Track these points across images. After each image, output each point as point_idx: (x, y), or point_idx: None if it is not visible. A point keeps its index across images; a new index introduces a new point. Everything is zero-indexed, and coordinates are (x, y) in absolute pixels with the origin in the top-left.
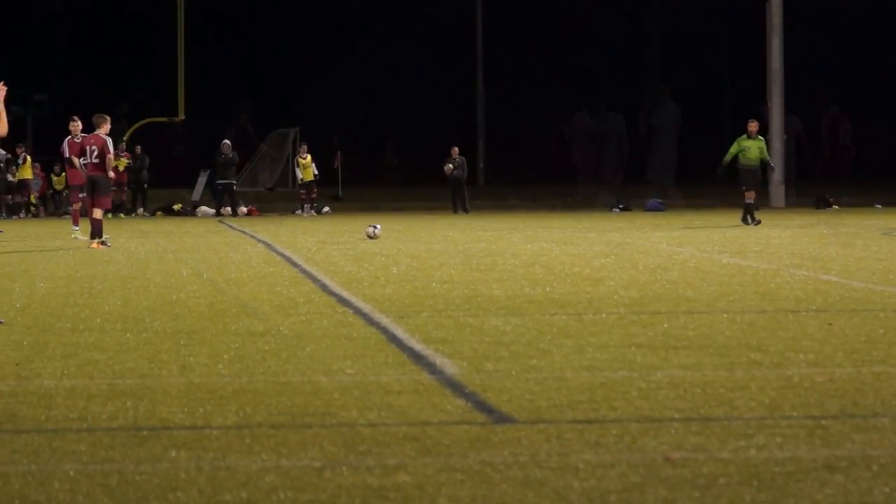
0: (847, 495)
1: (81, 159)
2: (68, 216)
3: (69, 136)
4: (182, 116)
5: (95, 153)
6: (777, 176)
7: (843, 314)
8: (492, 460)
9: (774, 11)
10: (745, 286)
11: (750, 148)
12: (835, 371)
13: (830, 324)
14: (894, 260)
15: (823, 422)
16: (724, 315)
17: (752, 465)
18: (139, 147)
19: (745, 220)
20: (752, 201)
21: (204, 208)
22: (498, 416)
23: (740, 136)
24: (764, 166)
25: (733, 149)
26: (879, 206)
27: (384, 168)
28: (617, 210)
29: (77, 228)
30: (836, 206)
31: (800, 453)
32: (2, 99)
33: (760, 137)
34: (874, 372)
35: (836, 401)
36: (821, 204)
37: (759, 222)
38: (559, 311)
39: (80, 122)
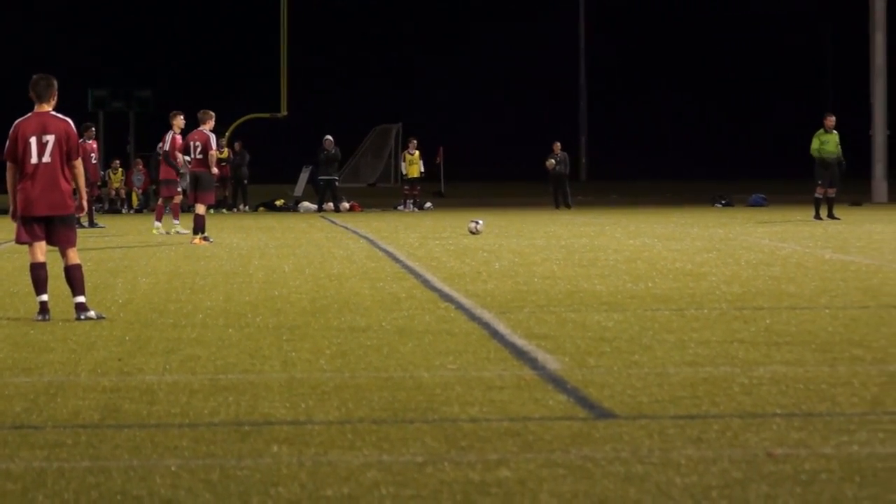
0: None
1: (186, 156)
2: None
3: (171, 132)
4: (284, 112)
5: (199, 149)
6: (880, 171)
7: None
8: (593, 456)
9: (878, 6)
10: (848, 282)
11: (828, 142)
12: None
13: None
14: None
15: None
16: (827, 311)
17: (854, 460)
18: (239, 143)
19: (817, 216)
20: (832, 195)
21: (306, 204)
22: (599, 412)
23: (818, 130)
24: (840, 162)
25: (815, 143)
26: None
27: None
28: (720, 205)
29: (159, 224)
30: None
31: None
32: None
33: (836, 132)
34: None
35: None
36: None
37: (838, 219)
38: (661, 306)
39: (183, 118)
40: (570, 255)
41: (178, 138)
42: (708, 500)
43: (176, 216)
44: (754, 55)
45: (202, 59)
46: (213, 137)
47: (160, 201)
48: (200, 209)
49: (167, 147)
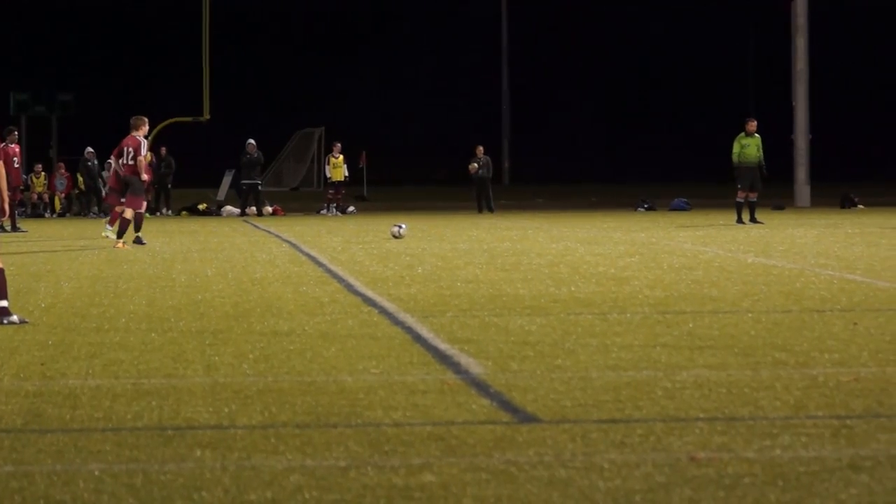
0: (872, 495)
1: (120, 160)
2: (94, 216)
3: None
4: (207, 116)
5: (132, 154)
6: (802, 175)
7: (868, 314)
8: (516, 460)
9: (799, 12)
10: (770, 286)
11: (750, 146)
12: (860, 371)
13: (856, 323)
14: None
15: (848, 421)
16: (749, 315)
17: (776, 464)
18: (164, 148)
19: (739, 220)
20: (754, 200)
21: (229, 208)
22: (523, 416)
23: (739, 134)
24: (760, 166)
25: (736, 147)
26: None
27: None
28: (642, 209)
29: (110, 228)
30: (861, 206)
31: (825, 453)
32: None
33: (758, 136)
34: None
35: (861, 400)
36: (846, 203)
37: (760, 223)
38: (584, 310)
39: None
40: (492, 259)
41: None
42: None
43: (112, 222)
44: (677, 59)
45: (124, 64)
46: (144, 143)
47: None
48: (128, 213)
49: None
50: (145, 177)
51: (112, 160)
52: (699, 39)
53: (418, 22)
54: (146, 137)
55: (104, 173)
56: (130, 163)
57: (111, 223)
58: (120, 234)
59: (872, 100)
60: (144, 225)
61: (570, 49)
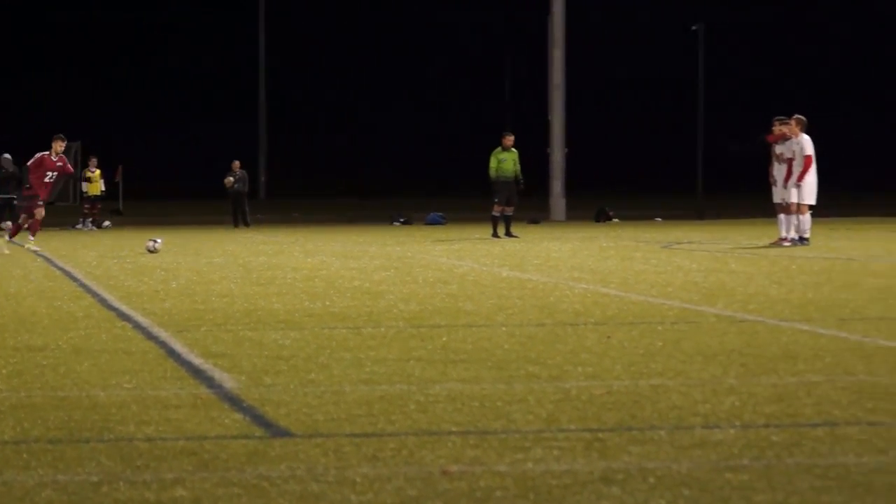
0: None
1: None
2: None
3: (47, 153)
4: None
5: None
6: (558, 189)
7: (621, 327)
8: (269, 474)
9: (556, 23)
10: (525, 299)
11: (506, 160)
12: (612, 384)
13: (609, 336)
14: (673, 273)
15: (601, 434)
16: (503, 328)
17: (529, 477)
18: None
19: (495, 234)
20: (510, 214)
21: None
22: (276, 430)
23: (496, 149)
24: (517, 180)
25: (493, 162)
26: (659, 220)
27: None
28: (398, 223)
29: (33, 239)
30: (616, 219)
31: (577, 466)
32: None
33: (514, 150)
34: (652, 385)
35: (613, 413)
36: (601, 217)
37: (515, 237)
38: (338, 324)
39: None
40: (248, 273)
41: (51, 159)
42: None
43: (33, 232)
44: (437, 71)
45: None
46: None
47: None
48: None
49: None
50: None
51: None
52: (456, 54)
53: (180, 34)
54: None
55: None
56: None
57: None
58: None
59: (628, 114)
60: None
61: (330, 61)
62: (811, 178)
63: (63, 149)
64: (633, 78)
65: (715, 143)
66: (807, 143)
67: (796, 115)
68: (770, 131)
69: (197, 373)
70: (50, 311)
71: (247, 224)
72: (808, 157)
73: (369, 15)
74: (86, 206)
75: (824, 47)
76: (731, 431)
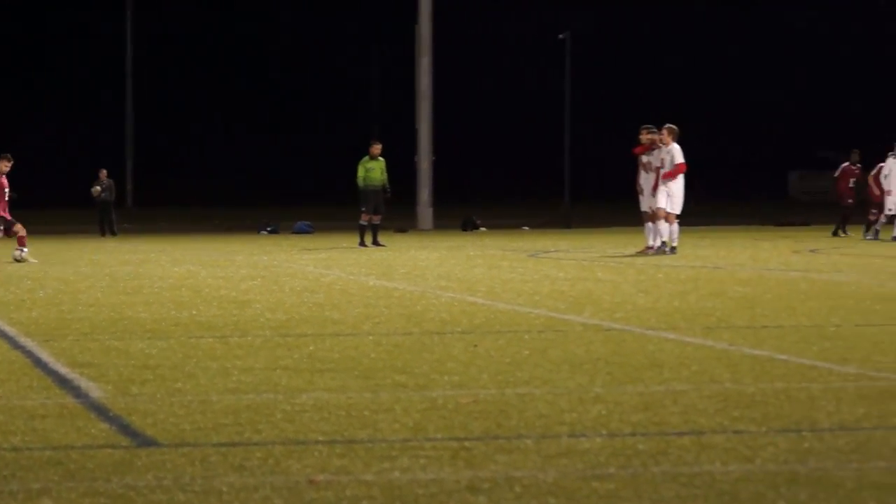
0: None
1: None
2: None
3: None
4: None
5: None
6: (425, 198)
7: (488, 336)
8: (135, 484)
9: (424, 31)
10: (392, 308)
11: (374, 169)
12: (479, 392)
13: (476, 345)
14: (540, 282)
15: (467, 443)
16: (370, 337)
17: (395, 486)
18: None
19: (362, 243)
20: (377, 222)
21: None
22: (142, 440)
23: (364, 157)
24: (384, 189)
25: (360, 171)
26: (526, 228)
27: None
28: (265, 232)
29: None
30: (483, 228)
31: (443, 475)
32: None
33: (382, 159)
34: (518, 393)
35: (480, 422)
36: (468, 225)
37: (383, 245)
38: (205, 333)
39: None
40: (114, 282)
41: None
42: None
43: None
44: (300, 80)
45: None
46: None
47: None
48: None
49: None
50: None
51: None
52: (322, 62)
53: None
54: None
55: None
56: None
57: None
58: None
59: (496, 123)
60: None
61: (197, 68)
62: (678, 188)
63: None
64: (501, 86)
65: (582, 151)
66: (677, 153)
67: (668, 125)
68: (637, 141)
69: (63, 382)
70: None
71: (114, 233)
72: (680, 165)
73: (236, 25)
74: None
75: (691, 58)
76: (598, 440)
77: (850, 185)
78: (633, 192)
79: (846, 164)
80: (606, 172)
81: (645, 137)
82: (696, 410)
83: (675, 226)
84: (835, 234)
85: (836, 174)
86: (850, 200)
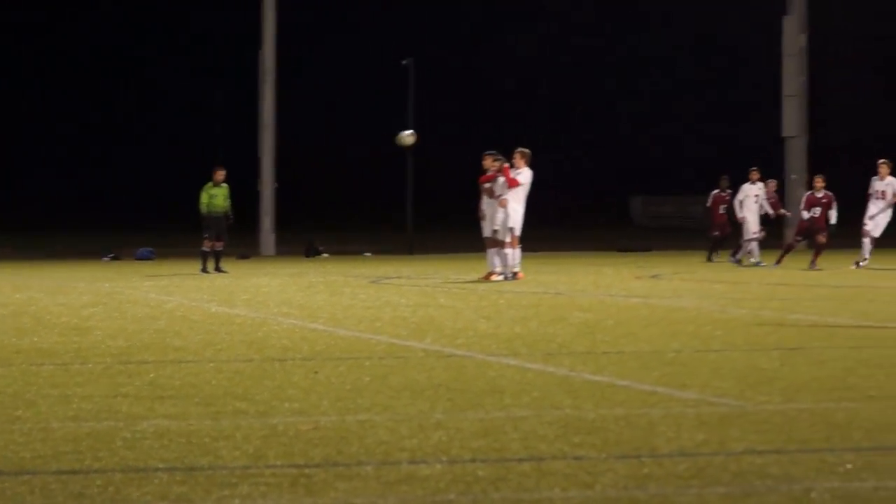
0: None
1: None
2: None
3: None
4: None
5: None
6: (267, 224)
7: (329, 362)
8: None
9: (267, 59)
10: (233, 335)
11: (217, 196)
12: (320, 419)
13: (316, 372)
14: (381, 308)
15: (307, 470)
16: (211, 364)
17: None
18: None
19: (204, 270)
20: (220, 249)
21: None
22: None
23: (207, 183)
24: (227, 215)
25: (203, 198)
26: (369, 255)
27: None
28: (107, 259)
29: None
30: (326, 254)
31: (283, 502)
32: None
33: (226, 185)
34: (359, 420)
35: (320, 449)
36: (310, 252)
37: (225, 272)
38: (46, 360)
39: None
40: None
41: None
42: None
43: None
44: (147, 105)
45: None
46: None
47: None
48: None
49: None
50: None
51: None
52: (167, 88)
53: None
54: None
55: None
56: None
57: None
58: None
59: (338, 149)
60: None
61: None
62: (520, 211)
63: None
64: (345, 112)
65: (424, 177)
66: (526, 174)
67: (520, 149)
68: (482, 169)
69: None
70: None
71: None
72: (513, 180)
73: (66, 49)
74: None
75: (533, 80)
76: (438, 466)
77: (721, 211)
78: (475, 218)
79: (716, 191)
80: (449, 198)
81: (489, 164)
82: (537, 436)
83: (518, 250)
84: (709, 259)
85: (709, 203)
86: (728, 229)
